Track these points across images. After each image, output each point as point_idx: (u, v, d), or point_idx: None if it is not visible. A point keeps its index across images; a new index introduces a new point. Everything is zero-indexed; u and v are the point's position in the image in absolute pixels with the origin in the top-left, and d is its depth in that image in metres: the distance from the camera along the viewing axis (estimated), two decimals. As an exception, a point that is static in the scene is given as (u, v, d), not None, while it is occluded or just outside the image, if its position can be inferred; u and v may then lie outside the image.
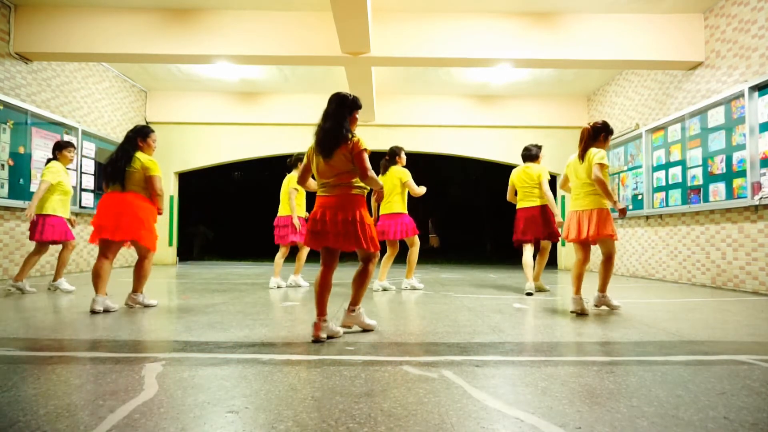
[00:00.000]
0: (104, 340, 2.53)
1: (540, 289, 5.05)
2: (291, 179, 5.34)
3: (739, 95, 5.29)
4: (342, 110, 2.92)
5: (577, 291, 3.66)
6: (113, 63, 7.86)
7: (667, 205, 6.58)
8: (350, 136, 2.84)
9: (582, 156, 3.65)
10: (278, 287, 5.35)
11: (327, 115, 2.92)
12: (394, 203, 5.06)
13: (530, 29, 6.22)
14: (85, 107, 7.47)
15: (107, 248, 3.59)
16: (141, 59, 6.51)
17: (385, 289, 5.10)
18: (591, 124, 3.72)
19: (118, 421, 1.44)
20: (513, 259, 9.74)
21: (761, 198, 4.90)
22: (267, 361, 2.14)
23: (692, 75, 6.29)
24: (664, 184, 6.67)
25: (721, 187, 5.57)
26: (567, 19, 6.23)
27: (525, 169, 5.01)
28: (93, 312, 3.41)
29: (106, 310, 3.50)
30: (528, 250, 4.97)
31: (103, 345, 2.42)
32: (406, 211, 5.11)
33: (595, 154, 3.53)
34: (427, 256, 15.59)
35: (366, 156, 2.82)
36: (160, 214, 3.80)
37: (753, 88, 5.09)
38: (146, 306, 3.76)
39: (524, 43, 6.22)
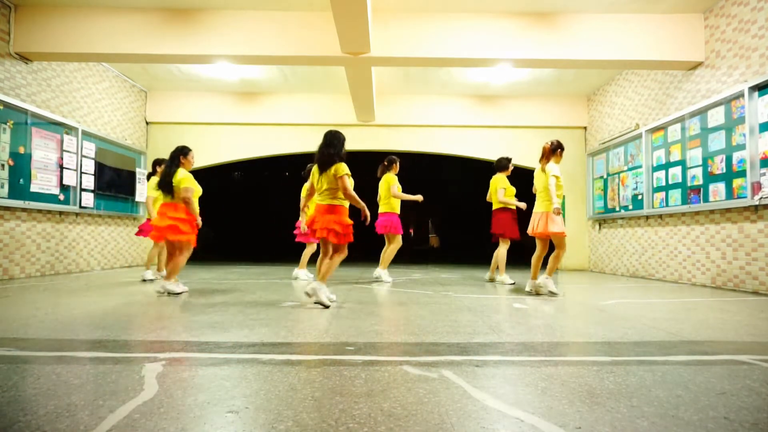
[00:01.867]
0: (104, 340, 2.53)
1: (491, 280, 6.17)
2: (305, 189, 6.30)
3: (739, 95, 5.29)
4: (334, 142, 3.94)
5: (534, 276, 4.87)
6: (113, 63, 7.86)
7: (667, 205, 6.57)
8: (336, 160, 3.86)
9: (544, 169, 4.82)
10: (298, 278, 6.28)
11: (322, 145, 3.95)
12: (386, 204, 6.12)
13: (530, 29, 6.22)
14: (85, 107, 7.47)
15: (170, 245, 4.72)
16: (141, 59, 6.50)
17: (378, 278, 6.10)
18: (549, 143, 4.87)
19: (118, 421, 1.44)
20: (512, 260, 9.72)
21: (761, 198, 4.90)
22: (267, 361, 2.14)
23: (692, 75, 6.29)
24: (664, 184, 6.67)
25: (721, 187, 5.57)
26: (567, 19, 6.23)
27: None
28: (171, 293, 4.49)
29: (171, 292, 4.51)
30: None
31: (103, 345, 2.43)
32: (396, 212, 6.11)
33: (551, 170, 4.74)
34: (428, 256, 15.59)
35: (346, 180, 3.82)
36: (195, 220, 4.64)
37: (753, 88, 5.09)
38: (177, 293, 4.53)
39: (524, 43, 6.22)
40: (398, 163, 6.26)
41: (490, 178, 6.27)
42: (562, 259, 4.87)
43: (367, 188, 5.96)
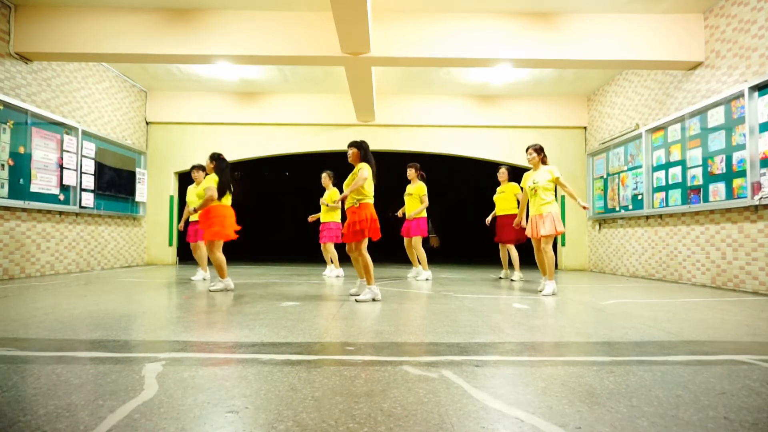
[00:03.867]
0: (104, 340, 2.53)
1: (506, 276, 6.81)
2: (334, 193, 6.90)
3: (739, 95, 5.29)
4: None
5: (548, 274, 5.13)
6: (113, 63, 7.86)
7: (667, 205, 6.58)
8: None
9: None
10: (337, 277, 6.86)
11: None
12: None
13: (530, 29, 6.22)
14: (85, 107, 7.47)
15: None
16: (141, 59, 6.50)
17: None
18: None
19: (118, 421, 1.44)
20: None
21: (761, 198, 4.91)
22: (267, 361, 2.14)
23: (692, 75, 6.29)
24: (664, 184, 6.67)
25: (721, 187, 5.57)
26: (567, 19, 6.23)
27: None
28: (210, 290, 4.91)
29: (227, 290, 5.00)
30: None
31: (103, 345, 2.43)
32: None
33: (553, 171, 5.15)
34: (428, 256, 15.57)
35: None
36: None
37: (753, 88, 5.09)
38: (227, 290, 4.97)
39: (524, 43, 6.22)
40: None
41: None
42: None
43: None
